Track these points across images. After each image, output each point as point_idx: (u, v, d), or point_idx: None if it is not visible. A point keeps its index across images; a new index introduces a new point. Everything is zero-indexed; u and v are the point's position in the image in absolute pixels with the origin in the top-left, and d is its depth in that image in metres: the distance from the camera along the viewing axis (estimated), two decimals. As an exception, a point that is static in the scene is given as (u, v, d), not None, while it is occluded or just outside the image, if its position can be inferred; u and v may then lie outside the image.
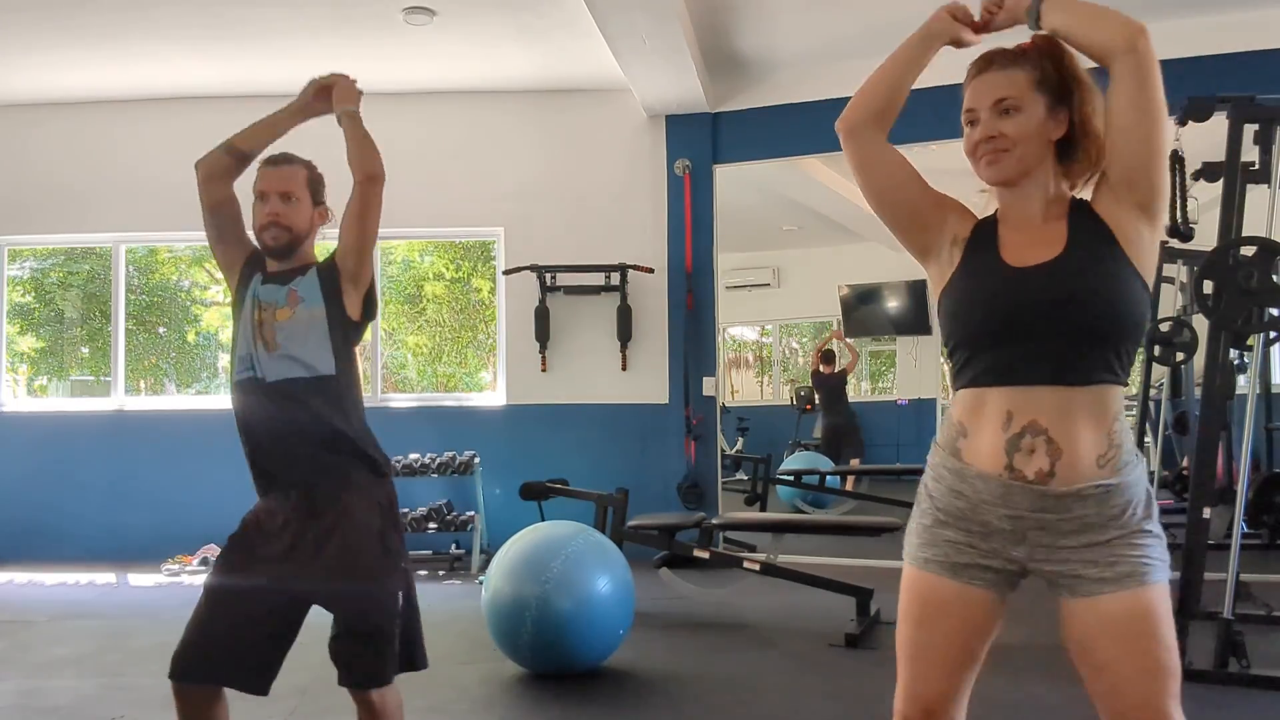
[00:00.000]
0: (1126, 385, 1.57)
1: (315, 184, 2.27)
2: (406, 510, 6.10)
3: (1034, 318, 1.53)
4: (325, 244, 2.33)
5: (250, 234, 2.29)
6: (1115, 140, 1.55)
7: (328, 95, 2.31)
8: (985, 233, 1.65)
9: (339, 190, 2.28)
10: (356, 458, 2.17)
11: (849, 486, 8.16)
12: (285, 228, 2.19)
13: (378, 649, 2.09)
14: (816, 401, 8.82)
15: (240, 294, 2.24)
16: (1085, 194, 1.65)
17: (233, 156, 2.26)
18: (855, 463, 8.35)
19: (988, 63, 1.60)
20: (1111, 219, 1.56)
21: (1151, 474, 6.26)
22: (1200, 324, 3.99)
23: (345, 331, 2.22)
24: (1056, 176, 1.61)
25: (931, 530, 1.64)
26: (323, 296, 2.19)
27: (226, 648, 2.04)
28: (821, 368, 8.73)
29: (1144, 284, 1.56)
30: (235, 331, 2.24)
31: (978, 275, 1.61)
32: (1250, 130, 3.72)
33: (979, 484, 1.58)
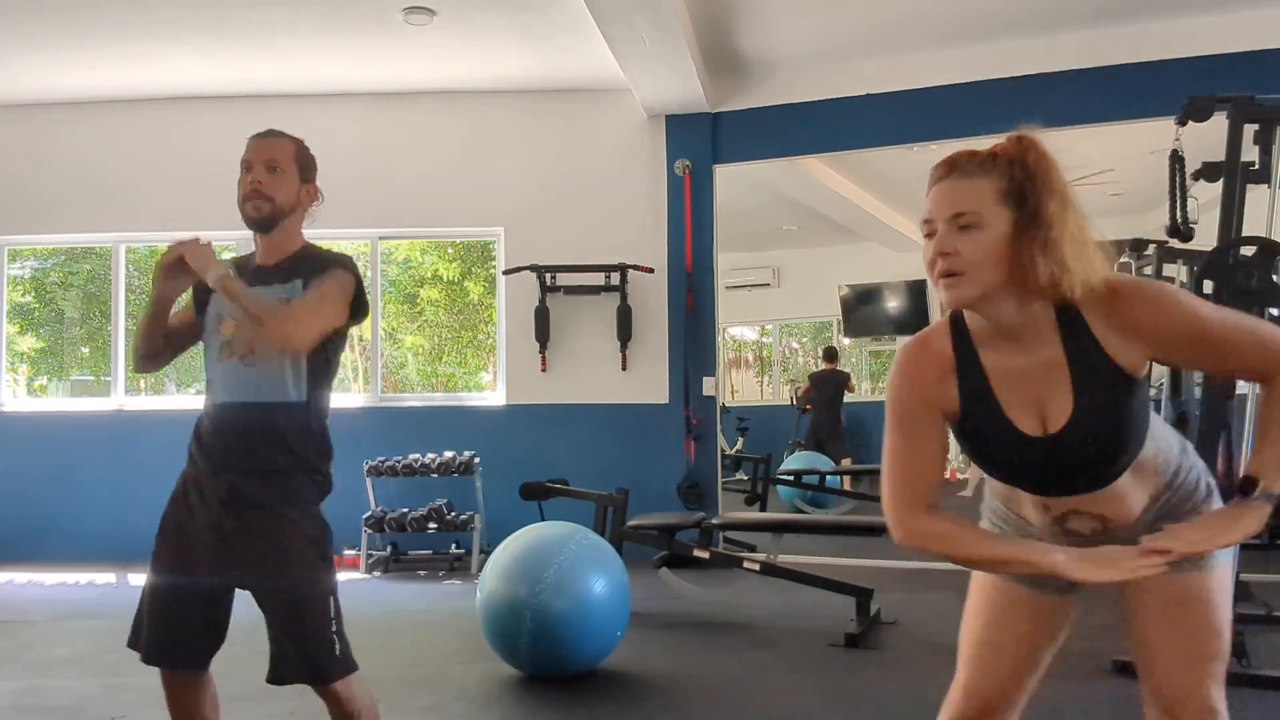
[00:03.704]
0: (1149, 435, 1.53)
1: (304, 160, 2.19)
2: (406, 510, 6.10)
3: (1061, 472, 1.50)
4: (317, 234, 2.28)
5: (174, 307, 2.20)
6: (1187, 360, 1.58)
7: (184, 267, 2.06)
8: (970, 380, 1.50)
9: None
10: (305, 472, 2.14)
11: (847, 486, 8.17)
12: (267, 198, 2.11)
13: (317, 644, 2.07)
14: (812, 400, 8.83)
15: (202, 310, 2.20)
16: None
17: (147, 361, 2.22)
18: (847, 462, 8.36)
19: (950, 168, 1.44)
20: (1112, 348, 1.43)
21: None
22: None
23: (325, 341, 2.13)
24: (1030, 295, 1.43)
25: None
26: None
27: (166, 630, 2.08)
28: (822, 365, 8.75)
29: (1142, 384, 1.46)
30: (206, 346, 2.19)
31: (989, 436, 1.50)
32: (1250, 130, 3.72)
33: (1038, 533, 1.62)
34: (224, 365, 2.13)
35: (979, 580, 1.68)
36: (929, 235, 1.44)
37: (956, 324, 1.52)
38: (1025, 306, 1.44)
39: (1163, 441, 1.55)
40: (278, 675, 2.09)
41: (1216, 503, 1.56)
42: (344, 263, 2.18)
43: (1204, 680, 1.51)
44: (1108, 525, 1.54)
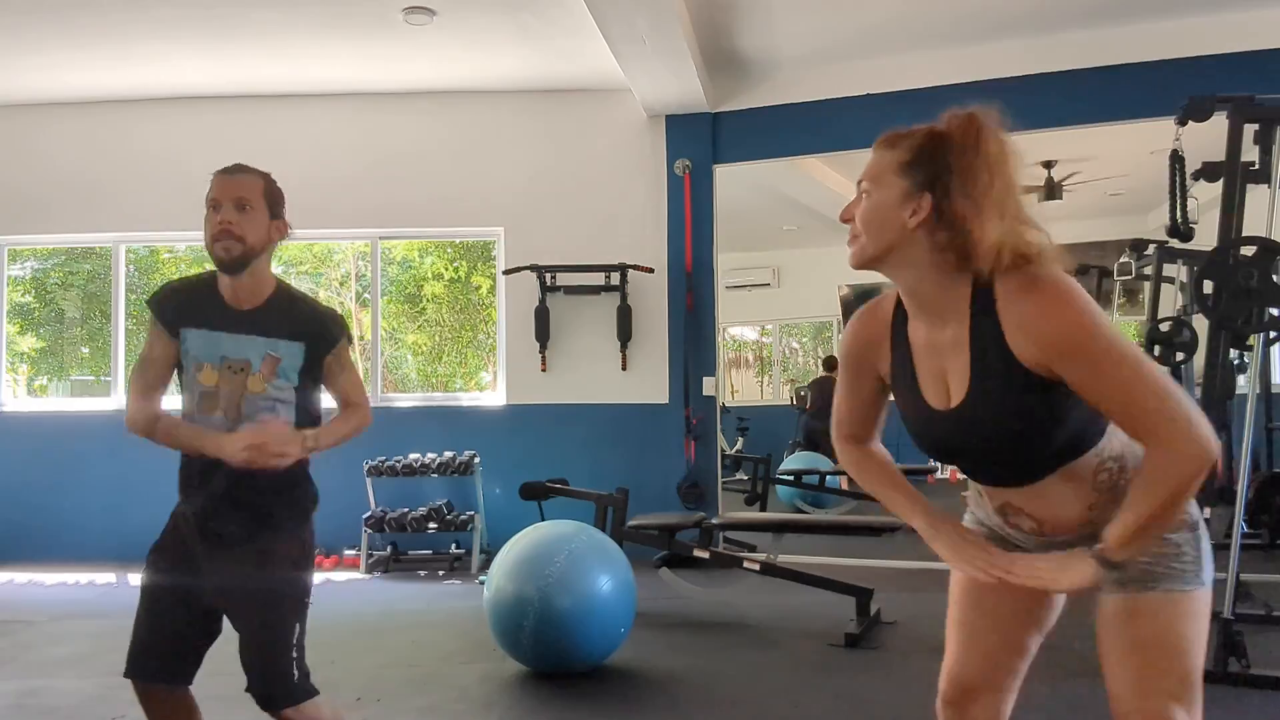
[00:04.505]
0: (1095, 446, 1.48)
1: (273, 196, 2.12)
2: (406, 510, 6.10)
3: (964, 452, 1.57)
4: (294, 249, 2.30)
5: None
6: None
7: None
8: (900, 350, 1.58)
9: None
10: (287, 503, 2.13)
11: (846, 486, 8.17)
12: (238, 238, 2.03)
13: (271, 670, 2.06)
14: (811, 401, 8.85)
15: (175, 336, 2.10)
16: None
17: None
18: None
19: (878, 144, 1.54)
20: (1011, 338, 1.41)
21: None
22: (1200, 324, 3.99)
23: (307, 398, 2.15)
24: (945, 261, 1.45)
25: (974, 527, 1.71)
26: (299, 377, 2.12)
27: (157, 646, 2.08)
28: (825, 372, 8.82)
29: (1053, 385, 1.40)
30: (182, 385, 2.11)
31: (907, 405, 1.59)
32: (1250, 130, 3.72)
33: (996, 525, 1.65)
34: (203, 417, 2.07)
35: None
36: None
37: (898, 298, 1.59)
38: (941, 281, 1.47)
39: (1110, 457, 1.49)
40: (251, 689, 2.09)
41: (1180, 538, 1.48)
42: (338, 325, 2.20)
43: (1157, 699, 1.46)
44: (1044, 529, 1.55)
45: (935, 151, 1.44)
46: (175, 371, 2.14)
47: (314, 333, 2.14)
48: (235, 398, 2.06)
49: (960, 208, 1.41)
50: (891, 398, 1.67)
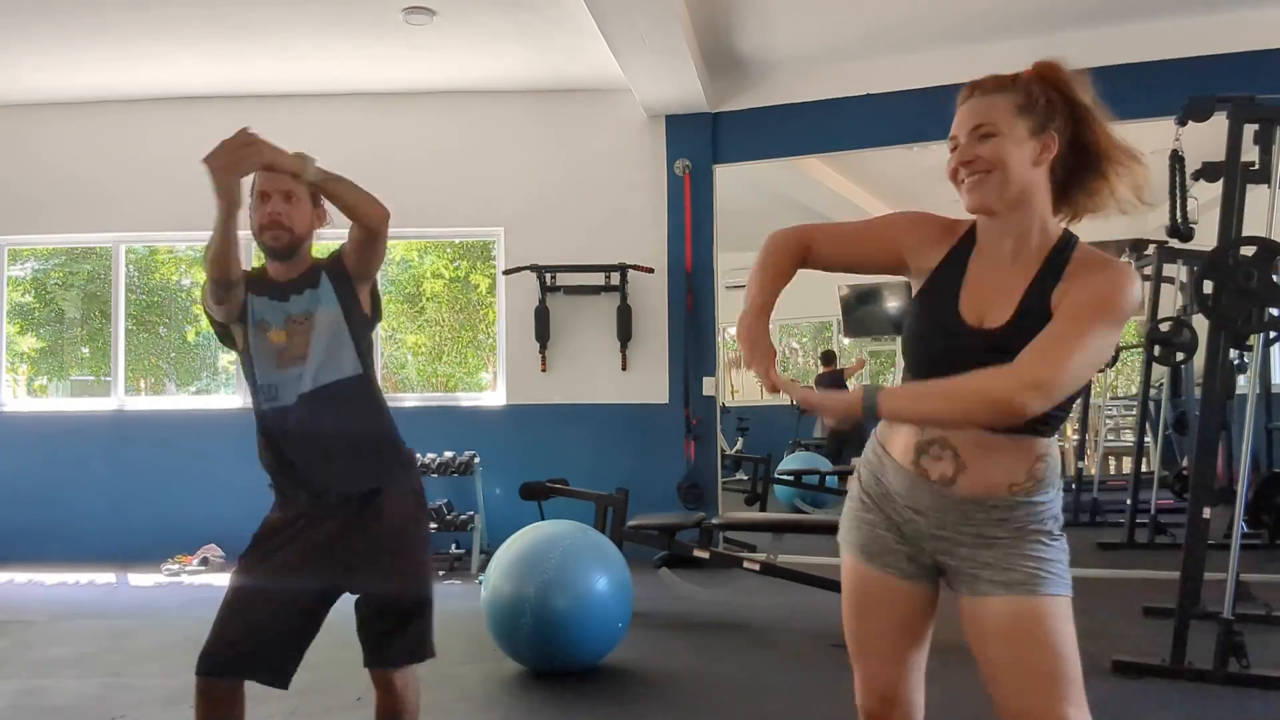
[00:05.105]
0: (1052, 437, 1.58)
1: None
2: (406, 510, 6.09)
3: (964, 370, 1.50)
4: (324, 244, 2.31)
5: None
6: None
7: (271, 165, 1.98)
8: (953, 266, 1.60)
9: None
10: (390, 451, 2.27)
11: (848, 486, 8.16)
12: (287, 228, 2.15)
13: (418, 625, 2.15)
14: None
15: (242, 319, 2.18)
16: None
17: (221, 285, 2.08)
18: (855, 462, 8.36)
19: (972, 90, 1.56)
20: (1057, 295, 1.50)
21: (1151, 474, 6.29)
22: (1200, 324, 3.99)
23: (364, 329, 2.23)
24: (1047, 208, 1.56)
25: (856, 514, 1.72)
26: (338, 298, 2.18)
27: (253, 643, 2.08)
28: (822, 368, 8.78)
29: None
30: (250, 359, 2.19)
31: (934, 319, 1.60)
32: (1250, 130, 3.72)
33: (893, 474, 1.64)
34: (285, 373, 2.15)
35: (843, 569, 1.73)
36: (953, 150, 1.56)
37: (970, 228, 1.63)
38: (1040, 230, 1.54)
39: (1051, 460, 1.57)
40: (385, 657, 2.13)
41: (1057, 528, 1.57)
42: None
43: (1052, 701, 1.50)
44: (956, 478, 1.55)
45: (1047, 93, 1.51)
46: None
47: (328, 263, 2.22)
48: (298, 341, 2.16)
49: (1103, 142, 1.52)
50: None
